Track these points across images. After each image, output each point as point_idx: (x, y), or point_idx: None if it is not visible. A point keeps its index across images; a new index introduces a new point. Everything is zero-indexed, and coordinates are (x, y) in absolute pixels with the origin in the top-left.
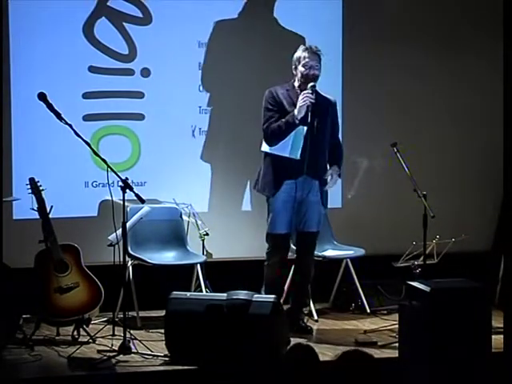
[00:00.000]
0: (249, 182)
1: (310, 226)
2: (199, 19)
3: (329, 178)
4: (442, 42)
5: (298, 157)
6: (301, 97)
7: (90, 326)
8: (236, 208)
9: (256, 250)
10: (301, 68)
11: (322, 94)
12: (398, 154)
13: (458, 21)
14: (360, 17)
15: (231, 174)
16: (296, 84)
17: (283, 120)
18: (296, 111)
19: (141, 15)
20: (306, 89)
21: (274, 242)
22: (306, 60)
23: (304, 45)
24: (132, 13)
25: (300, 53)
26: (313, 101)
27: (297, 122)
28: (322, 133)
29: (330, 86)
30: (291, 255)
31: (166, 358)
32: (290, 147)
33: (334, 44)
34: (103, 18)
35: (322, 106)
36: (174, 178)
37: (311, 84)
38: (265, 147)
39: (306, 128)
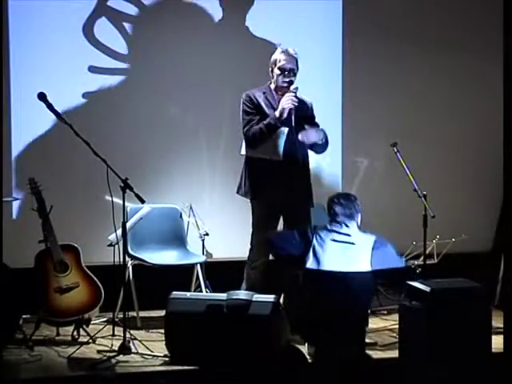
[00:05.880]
0: None
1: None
2: (199, 20)
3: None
4: (442, 41)
5: (281, 157)
6: (284, 99)
7: (90, 326)
8: (236, 208)
9: None
10: (276, 71)
11: (299, 96)
12: (398, 154)
13: (458, 19)
14: (360, 16)
15: (231, 174)
16: (272, 86)
17: (264, 122)
18: (277, 113)
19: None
20: (284, 92)
21: (260, 243)
22: (283, 63)
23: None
24: (132, 13)
25: (277, 55)
26: (296, 104)
27: (279, 124)
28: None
29: (330, 85)
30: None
31: (166, 358)
32: (272, 148)
33: (334, 44)
34: (103, 17)
35: (301, 109)
36: (174, 178)
37: (294, 86)
38: (244, 151)
39: (286, 130)
